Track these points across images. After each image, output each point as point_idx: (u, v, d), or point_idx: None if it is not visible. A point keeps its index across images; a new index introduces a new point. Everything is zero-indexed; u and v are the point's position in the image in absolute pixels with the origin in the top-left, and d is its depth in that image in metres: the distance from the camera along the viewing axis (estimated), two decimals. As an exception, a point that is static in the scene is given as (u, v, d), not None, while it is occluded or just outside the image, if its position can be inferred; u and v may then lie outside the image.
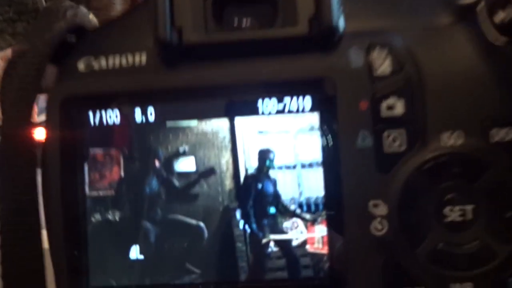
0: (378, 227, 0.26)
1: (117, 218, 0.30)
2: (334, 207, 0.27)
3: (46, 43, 0.29)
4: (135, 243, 0.29)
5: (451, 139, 0.26)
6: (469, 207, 0.26)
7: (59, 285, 0.29)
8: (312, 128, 0.28)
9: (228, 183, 0.29)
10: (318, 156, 0.28)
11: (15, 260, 0.28)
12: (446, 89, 0.26)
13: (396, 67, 0.26)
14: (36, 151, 0.29)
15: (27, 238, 0.28)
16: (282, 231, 0.29)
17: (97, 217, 0.30)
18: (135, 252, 0.29)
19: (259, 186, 0.29)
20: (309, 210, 0.28)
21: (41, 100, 0.29)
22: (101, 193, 0.30)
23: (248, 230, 0.29)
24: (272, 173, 0.29)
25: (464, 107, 0.26)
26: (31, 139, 0.28)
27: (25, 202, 0.28)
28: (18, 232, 0.28)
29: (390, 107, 0.26)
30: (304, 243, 0.29)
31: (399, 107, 0.26)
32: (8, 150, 0.28)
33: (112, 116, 0.29)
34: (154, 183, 0.29)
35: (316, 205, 0.28)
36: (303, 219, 0.28)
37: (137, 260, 0.29)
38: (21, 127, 0.28)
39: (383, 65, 0.26)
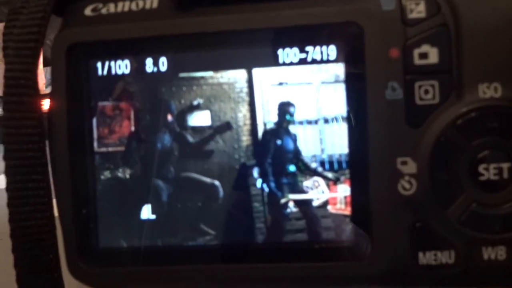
0: (406, 186, 0.25)
1: (127, 176, 0.28)
2: (358, 164, 0.25)
3: None
4: (147, 202, 0.28)
5: (488, 92, 0.24)
6: (505, 165, 0.24)
7: (68, 245, 0.28)
8: (337, 79, 0.26)
9: (245, 139, 0.27)
10: (343, 109, 0.26)
11: (25, 224, 0.27)
12: (486, 37, 0.24)
13: (431, 11, 0.24)
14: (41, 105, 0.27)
15: (37, 199, 0.27)
16: (302, 191, 0.27)
17: (106, 174, 0.28)
18: (146, 212, 0.28)
19: (278, 142, 0.27)
20: (331, 168, 0.26)
21: (49, 72, 0.28)
22: (110, 149, 0.28)
23: (266, 189, 0.27)
24: (292, 128, 0.27)
25: (504, 57, 0.24)
26: (36, 89, 0.27)
27: (33, 157, 0.27)
28: (27, 193, 0.27)
29: (423, 55, 0.24)
30: (325, 203, 0.27)
31: (433, 56, 0.24)
32: (13, 95, 0.26)
33: (122, 66, 0.27)
34: (166, 139, 0.28)
35: (339, 163, 0.26)
36: (325, 178, 0.27)
37: (148, 220, 0.28)
38: (25, 77, 0.27)
39: (417, 8, 0.24)
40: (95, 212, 0.28)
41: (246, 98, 0.27)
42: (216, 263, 0.27)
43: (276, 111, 0.27)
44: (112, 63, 0.27)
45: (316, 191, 0.27)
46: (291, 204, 0.27)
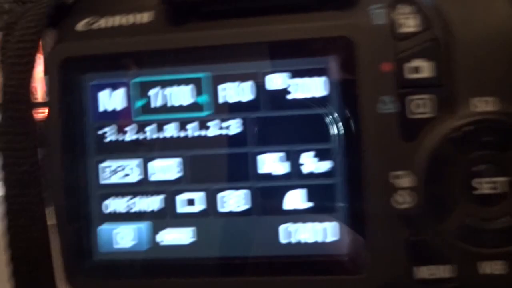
0: (400, 200, 0.24)
1: None
2: (352, 178, 0.25)
3: (43, 4, 0.27)
4: None
5: (482, 105, 0.24)
6: (500, 179, 0.24)
7: (66, 257, 0.27)
8: (329, 93, 0.26)
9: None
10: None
11: (20, 237, 0.27)
12: (478, 50, 0.24)
13: (422, 25, 0.24)
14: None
15: (31, 212, 0.27)
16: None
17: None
18: None
19: None
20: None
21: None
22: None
23: None
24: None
25: (497, 71, 0.24)
26: (30, 102, 0.27)
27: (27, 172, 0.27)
28: (22, 207, 0.27)
29: (415, 69, 0.24)
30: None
31: (426, 69, 0.24)
32: (8, 110, 0.26)
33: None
34: None
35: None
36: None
37: None
38: (19, 92, 0.27)
39: (408, 22, 0.24)
40: (93, 223, 0.28)
41: None
42: (214, 276, 0.27)
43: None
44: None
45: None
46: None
